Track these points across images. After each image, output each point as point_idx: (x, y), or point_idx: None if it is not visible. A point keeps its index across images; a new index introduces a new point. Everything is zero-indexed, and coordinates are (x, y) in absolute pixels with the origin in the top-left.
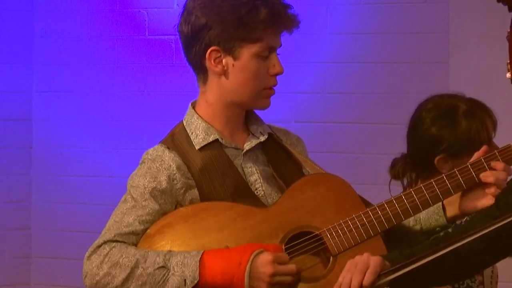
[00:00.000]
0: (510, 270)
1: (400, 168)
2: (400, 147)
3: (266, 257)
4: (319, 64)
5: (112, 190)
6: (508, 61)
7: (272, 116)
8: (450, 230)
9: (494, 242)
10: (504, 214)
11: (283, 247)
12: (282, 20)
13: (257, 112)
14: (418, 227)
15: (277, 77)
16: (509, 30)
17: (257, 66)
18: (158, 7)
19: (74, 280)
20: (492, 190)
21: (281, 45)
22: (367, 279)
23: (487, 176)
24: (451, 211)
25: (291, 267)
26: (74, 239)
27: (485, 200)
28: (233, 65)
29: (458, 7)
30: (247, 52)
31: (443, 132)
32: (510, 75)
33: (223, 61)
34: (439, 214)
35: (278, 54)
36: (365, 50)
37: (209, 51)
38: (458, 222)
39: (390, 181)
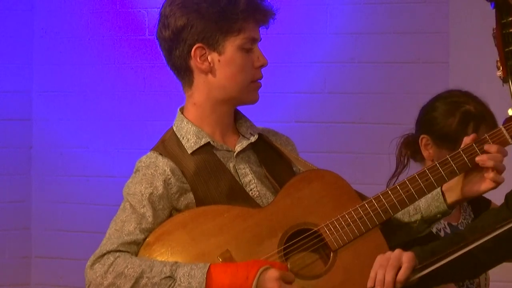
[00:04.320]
0: (500, 270)
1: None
2: None
3: (273, 273)
4: (319, 64)
5: (112, 190)
6: (498, 59)
7: (272, 116)
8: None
9: (501, 244)
10: None
11: (288, 266)
12: (260, 10)
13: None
14: (418, 216)
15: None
16: (494, 27)
17: (242, 59)
18: (158, 7)
19: (74, 280)
20: (491, 174)
21: (261, 39)
22: (402, 274)
23: (484, 161)
24: (452, 196)
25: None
26: (74, 239)
27: (485, 184)
28: (218, 60)
29: (458, 7)
30: (231, 46)
31: (436, 115)
32: (500, 73)
33: (209, 57)
34: (439, 201)
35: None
36: (365, 50)
37: (193, 49)
38: (454, 224)
39: (390, 179)
